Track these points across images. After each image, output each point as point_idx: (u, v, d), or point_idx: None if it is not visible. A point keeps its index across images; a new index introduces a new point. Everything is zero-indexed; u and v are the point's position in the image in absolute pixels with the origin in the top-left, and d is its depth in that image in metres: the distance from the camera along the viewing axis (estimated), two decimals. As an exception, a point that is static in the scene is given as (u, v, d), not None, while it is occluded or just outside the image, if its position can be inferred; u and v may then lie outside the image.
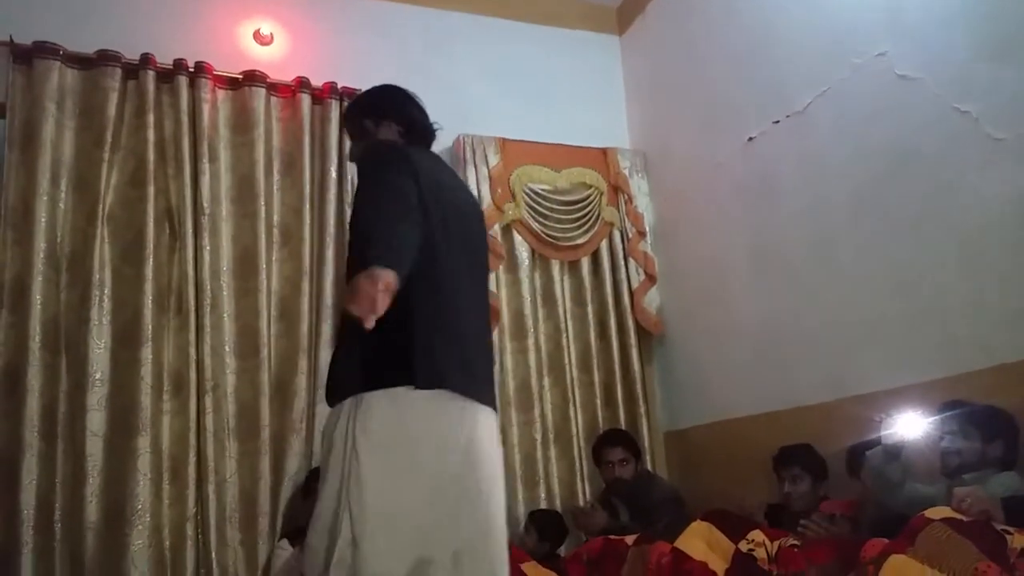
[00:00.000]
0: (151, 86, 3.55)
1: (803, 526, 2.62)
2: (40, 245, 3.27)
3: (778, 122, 3.60)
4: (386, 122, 2.15)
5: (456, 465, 1.81)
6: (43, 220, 3.30)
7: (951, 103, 2.83)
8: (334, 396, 1.89)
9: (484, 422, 1.91)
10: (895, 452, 2.46)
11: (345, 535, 1.72)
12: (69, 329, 3.27)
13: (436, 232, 1.90)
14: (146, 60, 3.56)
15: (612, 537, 3.04)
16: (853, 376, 3.13)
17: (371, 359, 1.83)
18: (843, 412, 3.06)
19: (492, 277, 3.97)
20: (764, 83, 3.70)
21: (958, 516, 2.08)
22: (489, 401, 1.96)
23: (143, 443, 3.20)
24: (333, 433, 1.83)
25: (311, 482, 3.17)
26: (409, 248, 1.75)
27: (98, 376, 3.25)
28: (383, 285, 1.59)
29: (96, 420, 3.21)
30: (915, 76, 2.97)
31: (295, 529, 3.16)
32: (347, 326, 1.91)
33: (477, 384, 1.92)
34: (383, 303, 1.59)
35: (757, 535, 2.60)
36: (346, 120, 2.27)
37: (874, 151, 3.12)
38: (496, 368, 3.90)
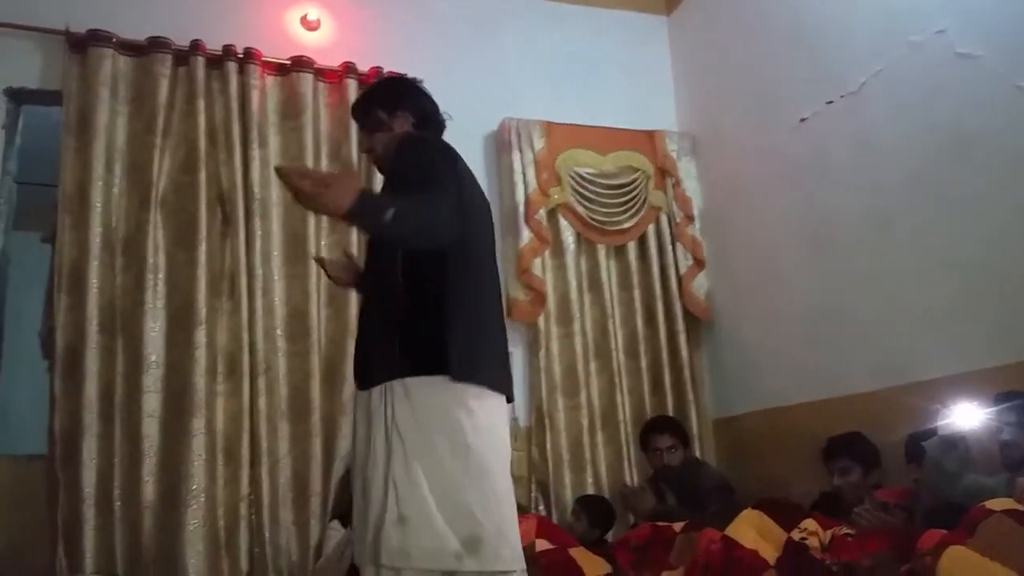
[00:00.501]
0: (201, 72, 3.59)
1: (856, 514, 2.58)
2: (96, 230, 3.34)
3: (832, 102, 3.52)
4: (401, 113, 2.16)
5: (489, 449, 1.88)
6: (98, 205, 3.36)
7: (1013, 81, 2.75)
8: (368, 380, 1.94)
9: (504, 411, 2.01)
10: (954, 442, 2.41)
11: (391, 514, 1.78)
12: (125, 312, 3.35)
13: (471, 225, 1.95)
14: (196, 46, 3.60)
15: (660, 523, 3.03)
16: (908, 363, 3.07)
17: (410, 346, 1.89)
18: (897, 400, 2.99)
19: (537, 262, 3.97)
20: (817, 63, 3.62)
21: (1021, 508, 2.03)
22: (509, 391, 2.05)
23: (198, 424, 3.26)
24: (372, 416, 1.88)
25: None
26: (407, 231, 1.80)
27: (153, 358, 3.32)
28: (334, 206, 1.67)
29: (152, 402, 3.28)
30: (975, 54, 2.89)
31: (346, 510, 3.20)
32: (379, 312, 1.98)
33: (502, 375, 2.01)
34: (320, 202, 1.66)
35: (810, 524, 2.57)
36: (356, 111, 2.27)
37: (932, 131, 3.04)
38: (541, 353, 3.91)
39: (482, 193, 2.16)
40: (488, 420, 1.90)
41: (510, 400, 2.07)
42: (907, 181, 3.15)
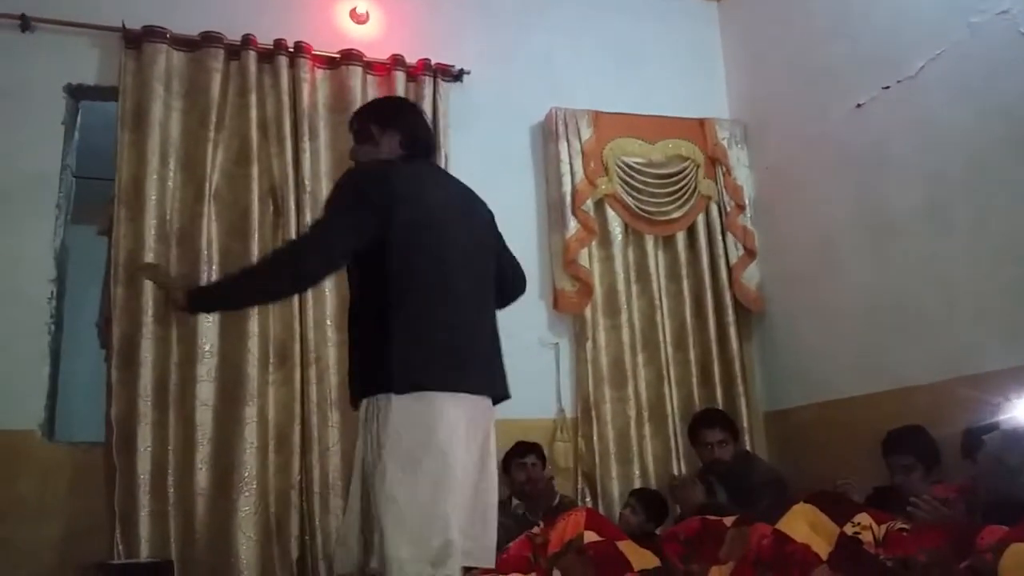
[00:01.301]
0: (253, 67, 3.65)
1: (913, 504, 2.51)
2: (151, 222, 3.41)
3: (888, 88, 3.45)
4: (391, 131, 2.23)
5: (446, 457, 1.94)
6: (153, 198, 3.43)
7: (1082, 62, 2.65)
8: (354, 396, 2.09)
9: (472, 410, 2.03)
10: (1016, 436, 2.33)
11: (376, 526, 1.91)
12: (179, 303, 3.41)
13: (412, 240, 2.05)
14: (247, 41, 3.65)
15: (710, 517, 2.98)
16: (968, 355, 2.99)
17: (368, 364, 2.02)
18: (956, 393, 2.91)
19: (584, 253, 3.94)
20: (873, 47, 3.54)
21: (1088, 505, 1.96)
22: (481, 389, 2.08)
23: (250, 413, 3.32)
24: (360, 428, 2.02)
25: None
26: (272, 289, 2.18)
27: (207, 348, 3.38)
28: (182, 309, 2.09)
29: (206, 390, 3.34)
30: (1041, 34, 2.79)
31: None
32: (357, 327, 2.11)
33: (464, 375, 2.03)
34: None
35: (864, 518, 2.50)
36: (354, 118, 2.37)
37: (994, 115, 2.95)
38: (588, 344, 3.88)
39: (444, 202, 2.18)
40: (448, 427, 1.95)
41: (494, 396, 2.14)
42: (967, 168, 3.06)
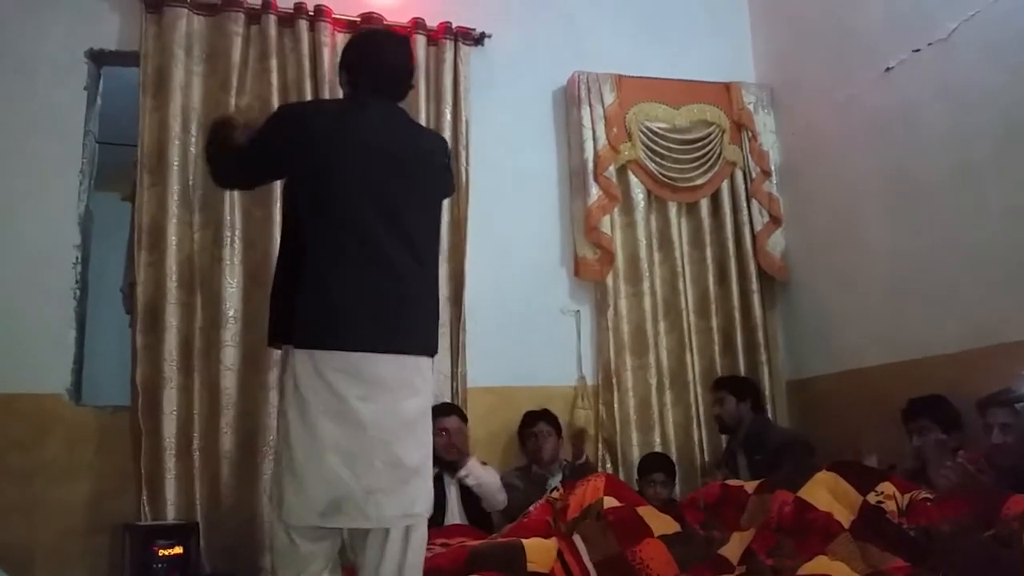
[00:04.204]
0: (273, 31, 3.62)
1: (942, 473, 2.49)
2: (173, 188, 3.42)
3: (919, 50, 3.37)
4: (344, 71, 2.25)
5: (338, 416, 1.94)
6: (175, 164, 3.43)
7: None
8: (269, 341, 2.14)
9: (380, 369, 1.98)
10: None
11: (277, 473, 2.00)
12: (203, 268, 3.43)
13: (324, 189, 2.04)
14: (267, 4, 3.63)
15: (731, 483, 2.98)
16: (998, 322, 2.94)
17: (279, 313, 2.05)
18: (986, 361, 2.88)
19: (606, 219, 3.91)
20: (903, 9, 3.46)
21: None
22: (393, 347, 2.01)
23: (273, 378, 3.33)
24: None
25: None
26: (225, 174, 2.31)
27: (231, 313, 3.40)
28: None
29: (230, 355, 3.37)
30: (1080, -6, 2.70)
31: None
32: (278, 272, 2.13)
33: (371, 333, 1.98)
34: None
35: (887, 487, 2.50)
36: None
37: (1029, 79, 2.86)
38: (609, 312, 3.86)
39: (380, 149, 2.09)
40: (341, 388, 1.94)
41: (416, 352, 2.06)
42: (999, 134, 2.99)
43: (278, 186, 3.46)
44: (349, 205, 2.03)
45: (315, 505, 1.92)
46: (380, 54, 2.23)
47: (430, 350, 2.13)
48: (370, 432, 1.95)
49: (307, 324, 1.98)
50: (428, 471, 2.08)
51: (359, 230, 2.02)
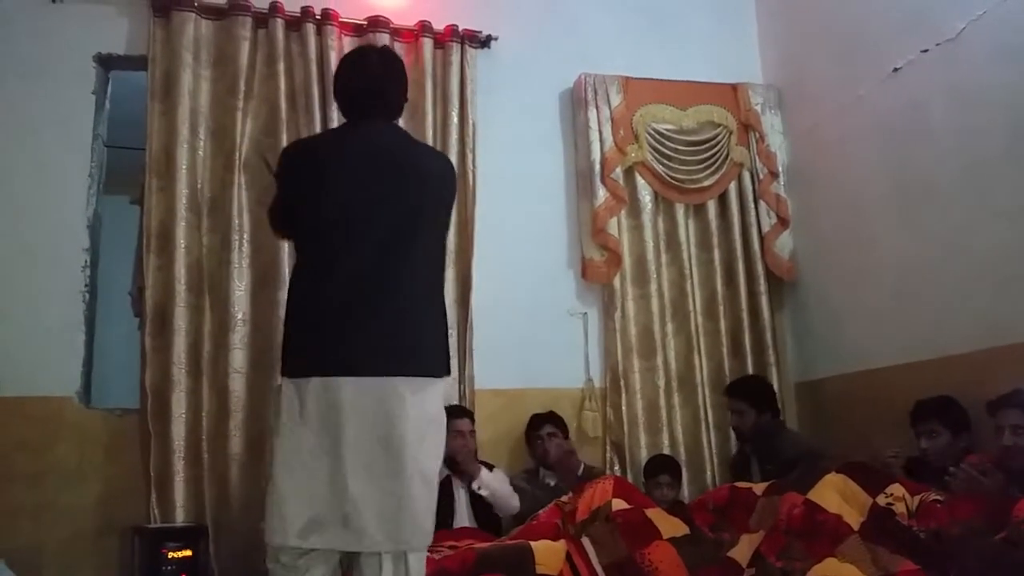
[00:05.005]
0: (280, 35, 3.63)
1: (951, 475, 2.48)
2: (182, 191, 3.43)
3: (927, 51, 3.35)
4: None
5: (316, 437, 1.99)
6: (184, 168, 3.44)
7: None
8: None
9: (351, 392, 1.99)
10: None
11: (265, 506, 2.06)
12: (211, 272, 3.44)
13: (299, 216, 2.14)
14: (275, 8, 3.64)
15: (739, 485, 2.98)
16: (1009, 322, 2.92)
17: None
18: (997, 361, 2.86)
19: (613, 221, 3.91)
20: (911, 9, 3.44)
21: None
22: (363, 370, 2.01)
23: (280, 381, 3.34)
24: None
25: None
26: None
27: (240, 316, 3.41)
28: None
29: (239, 358, 3.37)
30: (1090, -7, 2.69)
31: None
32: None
33: (339, 358, 2.00)
34: None
35: (896, 489, 2.49)
36: None
37: (1038, 80, 2.85)
38: (616, 314, 3.86)
39: (348, 167, 2.12)
40: (312, 412, 1.99)
41: (397, 373, 2.02)
42: (1008, 134, 2.98)
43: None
44: (322, 232, 2.09)
45: (291, 527, 1.96)
46: (341, 79, 2.30)
47: (420, 370, 2.07)
48: (347, 457, 1.96)
49: (285, 352, 2.09)
50: (423, 497, 2.02)
51: (331, 257, 2.07)
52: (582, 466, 3.48)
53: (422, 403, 2.04)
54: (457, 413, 3.35)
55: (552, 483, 3.46)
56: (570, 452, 3.49)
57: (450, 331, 3.55)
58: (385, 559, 1.98)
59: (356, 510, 1.95)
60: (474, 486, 3.29)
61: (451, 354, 3.47)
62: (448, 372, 2.17)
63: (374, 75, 2.25)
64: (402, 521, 1.98)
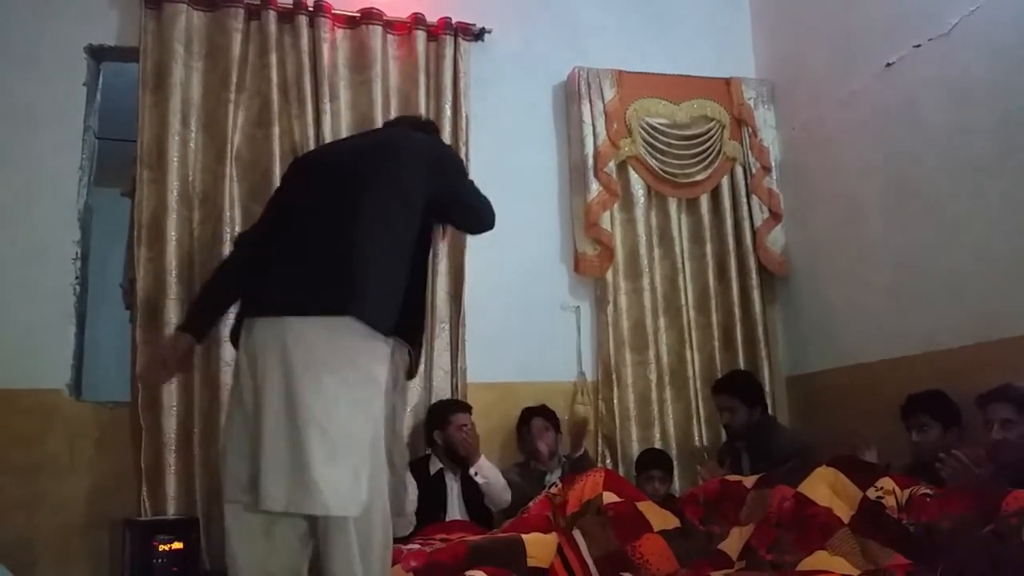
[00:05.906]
0: (272, 26, 3.61)
1: (942, 461, 2.48)
2: (173, 184, 3.41)
3: (919, 46, 3.36)
4: None
5: (235, 394, 2.09)
6: (175, 160, 3.43)
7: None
8: None
9: (255, 335, 1.99)
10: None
11: None
12: (202, 264, 3.42)
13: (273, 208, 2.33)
14: (267, 0, 3.61)
15: (730, 479, 2.98)
16: (1000, 317, 2.93)
17: None
18: (988, 356, 2.88)
19: (606, 215, 3.91)
20: (904, 4, 3.46)
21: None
22: (265, 309, 2.00)
23: (271, 374, 3.33)
24: None
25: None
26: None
27: (231, 310, 3.38)
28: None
29: (229, 351, 3.33)
30: (1082, -12, 2.69)
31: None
32: None
33: (255, 300, 2.08)
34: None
35: (887, 482, 2.49)
36: None
37: (1030, 74, 2.86)
38: (609, 308, 3.87)
39: (291, 175, 2.38)
40: (240, 356, 2.07)
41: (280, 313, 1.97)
42: (1001, 129, 2.98)
43: (273, 184, 3.48)
44: (270, 217, 2.30)
45: (224, 481, 2.07)
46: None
47: (323, 308, 1.93)
48: (247, 409, 1.98)
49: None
50: (338, 459, 1.87)
51: (268, 233, 2.23)
52: (584, 447, 3.59)
53: (313, 344, 1.90)
54: (456, 408, 3.41)
55: (540, 472, 3.47)
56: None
57: (442, 324, 3.61)
58: (323, 524, 1.90)
59: (261, 468, 1.88)
60: (471, 471, 3.30)
61: (441, 345, 3.52)
62: (361, 312, 1.93)
63: None
64: (300, 480, 1.84)
